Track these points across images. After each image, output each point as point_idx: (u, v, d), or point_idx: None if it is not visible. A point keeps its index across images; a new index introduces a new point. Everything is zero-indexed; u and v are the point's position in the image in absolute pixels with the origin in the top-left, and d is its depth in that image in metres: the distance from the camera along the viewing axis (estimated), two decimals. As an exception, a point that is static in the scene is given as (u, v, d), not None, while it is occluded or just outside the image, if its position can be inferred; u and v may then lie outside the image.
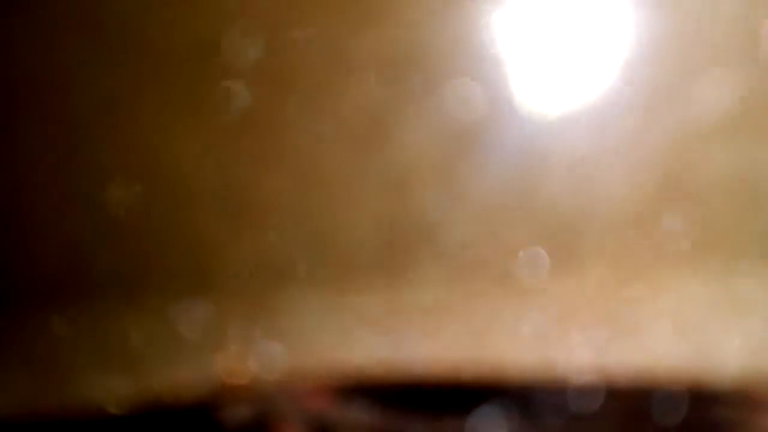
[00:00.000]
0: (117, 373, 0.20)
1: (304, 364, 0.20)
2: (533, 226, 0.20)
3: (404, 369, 0.20)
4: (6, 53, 0.21)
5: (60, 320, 0.20)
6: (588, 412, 0.21)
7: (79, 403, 0.20)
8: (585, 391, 0.21)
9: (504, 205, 0.20)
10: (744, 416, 0.23)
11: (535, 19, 0.20)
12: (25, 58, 0.21)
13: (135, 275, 0.20)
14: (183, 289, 0.20)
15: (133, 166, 0.20)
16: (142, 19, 0.20)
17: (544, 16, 0.20)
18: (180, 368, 0.20)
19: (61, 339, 0.20)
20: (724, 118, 0.20)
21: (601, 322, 0.21)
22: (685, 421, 0.21)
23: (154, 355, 0.20)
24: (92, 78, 0.20)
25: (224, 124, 0.20)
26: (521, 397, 0.21)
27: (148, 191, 0.20)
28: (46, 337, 0.21)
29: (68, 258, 0.20)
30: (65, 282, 0.20)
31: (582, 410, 0.21)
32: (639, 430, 0.22)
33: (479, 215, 0.20)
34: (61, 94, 0.21)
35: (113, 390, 0.20)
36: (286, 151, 0.20)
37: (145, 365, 0.20)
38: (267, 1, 0.20)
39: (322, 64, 0.20)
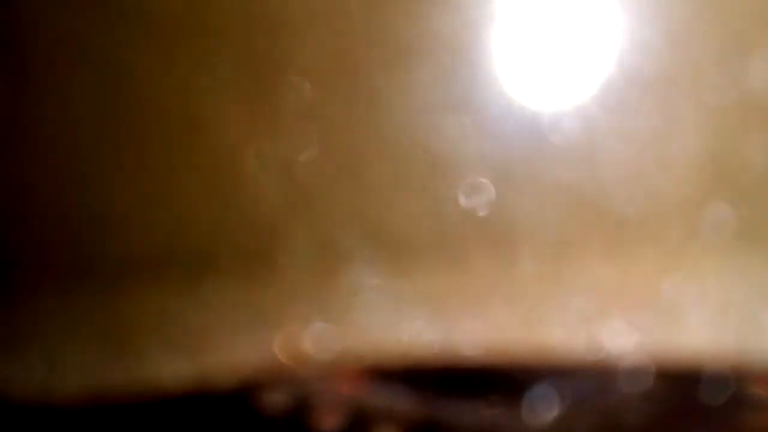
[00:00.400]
0: (177, 354, 0.21)
1: (356, 346, 0.21)
2: (581, 212, 0.21)
3: (454, 352, 0.21)
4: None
5: (124, 300, 0.21)
6: (634, 394, 0.22)
7: (140, 384, 0.21)
8: (631, 374, 0.21)
9: (553, 191, 0.21)
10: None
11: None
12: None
13: (195, 256, 0.21)
14: (242, 270, 0.21)
15: (188, 143, 0.21)
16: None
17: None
18: (237, 350, 0.21)
19: (124, 319, 0.21)
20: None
21: (646, 306, 0.21)
22: (728, 403, 0.22)
23: (212, 335, 0.21)
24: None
25: (282, 110, 0.21)
26: (569, 379, 0.22)
27: (207, 172, 0.21)
28: (108, 317, 0.21)
29: (130, 238, 0.21)
30: (128, 261, 0.21)
31: (628, 392, 0.22)
32: (684, 412, 0.23)
33: (529, 201, 0.21)
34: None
35: (173, 371, 0.21)
36: (342, 137, 0.21)
37: (204, 346, 0.21)
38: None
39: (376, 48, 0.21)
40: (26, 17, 0.22)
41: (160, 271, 0.21)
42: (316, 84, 0.21)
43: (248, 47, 0.21)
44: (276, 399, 0.22)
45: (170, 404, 0.22)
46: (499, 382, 0.22)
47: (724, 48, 0.21)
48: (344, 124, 0.21)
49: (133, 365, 0.21)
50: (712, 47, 0.21)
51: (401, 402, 0.23)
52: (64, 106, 0.22)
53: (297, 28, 0.21)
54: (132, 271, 0.21)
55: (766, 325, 0.21)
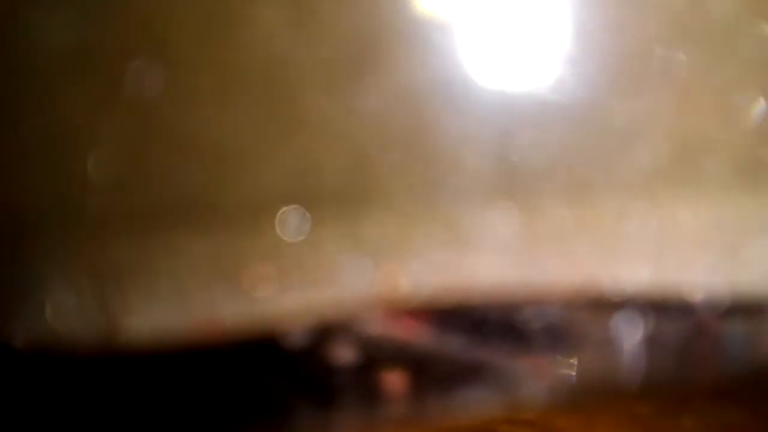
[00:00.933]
0: (289, 289, 0.21)
1: (442, 285, 0.21)
2: (657, 149, 0.21)
3: (531, 291, 0.22)
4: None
5: (241, 237, 0.21)
6: (709, 328, 0.22)
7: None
8: (700, 309, 0.22)
9: (628, 130, 0.21)
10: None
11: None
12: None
13: (311, 196, 0.21)
14: (338, 206, 0.21)
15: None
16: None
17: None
18: (344, 285, 0.21)
19: (239, 253, 0.21)
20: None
21: (714, 245, 0.22)
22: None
23: (316, 271, 0.21)
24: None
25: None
26: (642, 314, 0.23)
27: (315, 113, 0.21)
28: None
29: (249, 177, 0.21)
30: (246, 201, 0.21)
31: (700, 327, 0.22)
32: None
33: (600, 140, 0.21)
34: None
35: (284, 306, 0.21)
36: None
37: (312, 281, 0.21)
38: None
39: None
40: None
41: (275, 208, 0.21)
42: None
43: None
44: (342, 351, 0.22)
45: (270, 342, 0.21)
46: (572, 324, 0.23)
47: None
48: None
49: (246, 301, 0.21)
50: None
51: (454, 349, 0.23)
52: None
53: None
54: (248, 210, 0.21)
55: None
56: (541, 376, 0.23)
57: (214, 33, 0.21)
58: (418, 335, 0.23)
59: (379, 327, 0.22)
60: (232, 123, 0.21)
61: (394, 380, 0.23)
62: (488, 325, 0.23)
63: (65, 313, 0.21)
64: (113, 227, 0.21)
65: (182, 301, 0.21)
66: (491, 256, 0.21)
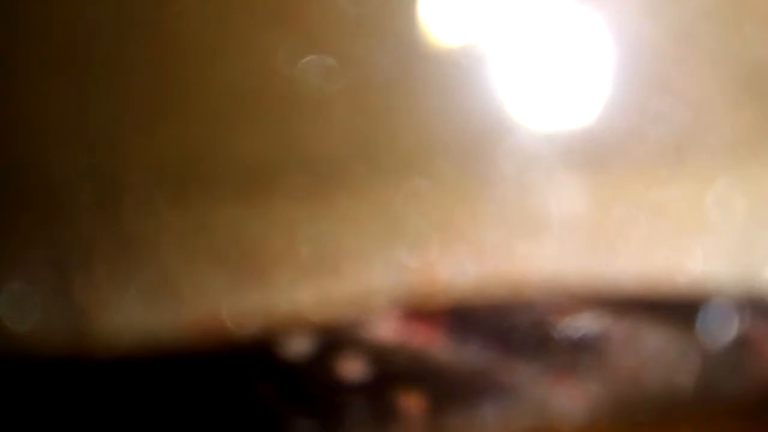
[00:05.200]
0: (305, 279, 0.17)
1: (489, 275, 0.18)
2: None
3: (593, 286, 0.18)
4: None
5: (250, 213, 0.17)
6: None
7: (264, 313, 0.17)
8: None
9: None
10: None
11: None
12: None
13: (327, 164, 0.17)
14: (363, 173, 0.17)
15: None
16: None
17: None
18: (368, 276, 0.17)
19: (250, 234, 0.17)
20: None
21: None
22: None
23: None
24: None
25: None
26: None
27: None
28: (231, 233, 0.18)
29: (258, 143, 0.17)
30: (256, 169, 0.17)
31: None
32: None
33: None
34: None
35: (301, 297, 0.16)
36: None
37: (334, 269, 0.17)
38: None
39: None
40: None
41: (291, 179, 0.16)
42: None
43: None
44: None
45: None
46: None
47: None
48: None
49: (258, 290, 0.16)
50: None
51: (467, 357, 0.19)
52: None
53: None
54: (259, 180, 0.18)
55: None
56: (572, 392, 0.20)
57: None
58: (436, 344, 0.19)
59: (393, 333, 0.18)
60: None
61: (407, 395, 0.19)
62: (517, 333, 0.19)
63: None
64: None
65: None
66: (550, 242, 0.18)
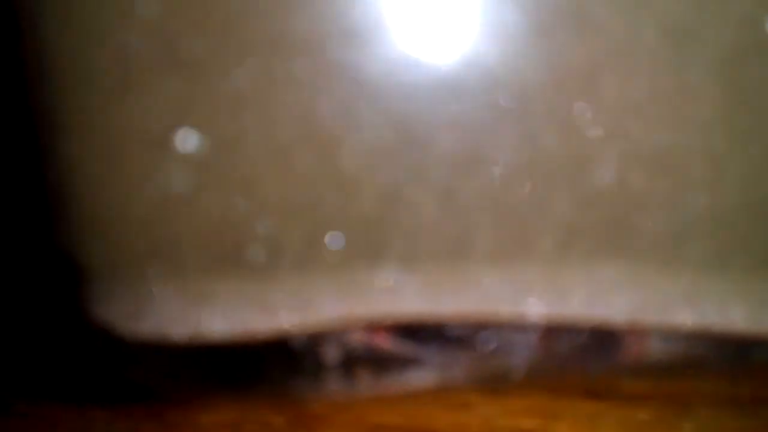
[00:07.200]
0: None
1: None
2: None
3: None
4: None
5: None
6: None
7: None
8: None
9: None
10: None
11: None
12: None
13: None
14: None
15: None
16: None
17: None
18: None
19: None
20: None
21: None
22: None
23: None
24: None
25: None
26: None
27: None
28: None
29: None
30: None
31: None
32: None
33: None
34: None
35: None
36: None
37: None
38: None
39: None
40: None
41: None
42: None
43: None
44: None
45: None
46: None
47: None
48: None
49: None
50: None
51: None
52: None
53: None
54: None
55: None
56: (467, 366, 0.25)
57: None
58: (388, 344, 0.26)
59: (361, 338, 0.25)
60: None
61: (365, 370, 0.26)
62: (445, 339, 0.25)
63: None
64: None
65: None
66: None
